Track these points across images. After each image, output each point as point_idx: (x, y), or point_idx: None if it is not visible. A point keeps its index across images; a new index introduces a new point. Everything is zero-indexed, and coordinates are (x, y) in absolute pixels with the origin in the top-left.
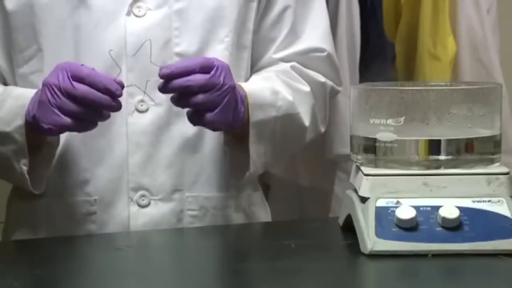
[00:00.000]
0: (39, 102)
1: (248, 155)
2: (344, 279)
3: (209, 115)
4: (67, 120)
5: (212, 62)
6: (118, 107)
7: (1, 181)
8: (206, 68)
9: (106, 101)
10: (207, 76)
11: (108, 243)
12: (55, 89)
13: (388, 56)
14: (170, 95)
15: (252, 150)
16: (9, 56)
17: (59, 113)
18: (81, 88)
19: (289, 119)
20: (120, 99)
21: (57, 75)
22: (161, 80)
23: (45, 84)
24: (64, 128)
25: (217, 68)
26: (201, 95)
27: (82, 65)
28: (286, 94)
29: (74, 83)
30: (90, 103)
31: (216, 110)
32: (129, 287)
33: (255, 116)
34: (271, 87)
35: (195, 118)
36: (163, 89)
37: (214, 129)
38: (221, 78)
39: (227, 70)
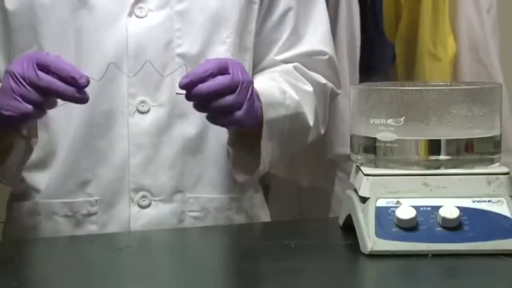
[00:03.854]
0: (1, 90)
1: (254, 155)
2: (344, 279)
3: (238, 114)
4: (28, 107)
5: (226, 62)
6: (83, 98)
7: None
8: (223, 69)
9: (70, 91)
10: (228, 76)
11: (108, 243)
12: (19, 78)
13: (388, 56)
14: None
15: (263, 149)
16: (8, 56)
17: (20, 100)
18: (45, 78)
19: (296, 118)
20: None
21: (22, 64)
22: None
23: (9, 72)
24: (25, 116)
25: (233, 66)
26: (229, 96)
27: (47, 53)
28: (293, 94)
29: (39, 72)
30: (53, 93)
31: (244, 108)
32: (129, 287)
33: (268, 114)
34: (279, 87)
35: (222, 119)
36: (188, 98)
37: (241, 126)
38: (240, 76)
39: (241, 67)
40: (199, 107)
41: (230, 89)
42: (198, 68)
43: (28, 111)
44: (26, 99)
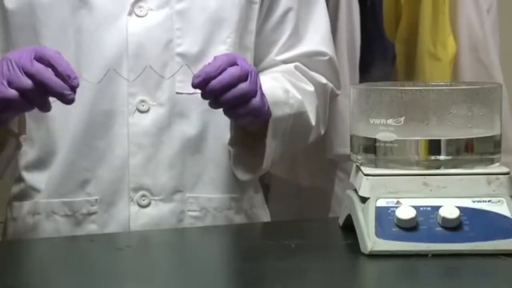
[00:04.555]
0: None
1: (255, 154)
2: (344, 279)
3: (255, 100)
4: (13, 92)
5: (234, 56)
6: (69, 97)
7: (1, 181)
8: (232, 63)
9: (59, 86)
10: (238, 67)
11: (108, 243)
12: (13, 63)
13: (388, 56)
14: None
15: (267, 146)
16: None
17: (6, 85)
18: (38, 66)
19: (300, 117)
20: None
21: (20, 52)
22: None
23: (5, 58)
24: (9, 101)
25: (239, 59)
26: (243, 84)
27: (44, 47)
28: (295, 93)
29: (34, 61)
30: (43, 83)
31: (258, 94)
32: (129, 287)
33: (274, 112)
34: (281, 86)
35: (239, 109)
36: (204, 96)
37: (257, 116)
38: (248, 66)
39: (246, 60)
40: (214, 103)
41: (241, 79)
42: (209, 66)
43: (11, 97)
44: (12, 85)
